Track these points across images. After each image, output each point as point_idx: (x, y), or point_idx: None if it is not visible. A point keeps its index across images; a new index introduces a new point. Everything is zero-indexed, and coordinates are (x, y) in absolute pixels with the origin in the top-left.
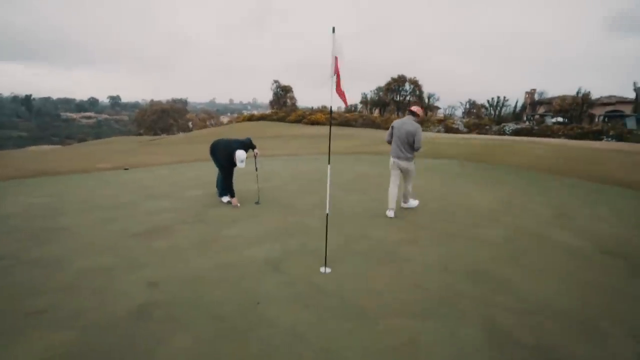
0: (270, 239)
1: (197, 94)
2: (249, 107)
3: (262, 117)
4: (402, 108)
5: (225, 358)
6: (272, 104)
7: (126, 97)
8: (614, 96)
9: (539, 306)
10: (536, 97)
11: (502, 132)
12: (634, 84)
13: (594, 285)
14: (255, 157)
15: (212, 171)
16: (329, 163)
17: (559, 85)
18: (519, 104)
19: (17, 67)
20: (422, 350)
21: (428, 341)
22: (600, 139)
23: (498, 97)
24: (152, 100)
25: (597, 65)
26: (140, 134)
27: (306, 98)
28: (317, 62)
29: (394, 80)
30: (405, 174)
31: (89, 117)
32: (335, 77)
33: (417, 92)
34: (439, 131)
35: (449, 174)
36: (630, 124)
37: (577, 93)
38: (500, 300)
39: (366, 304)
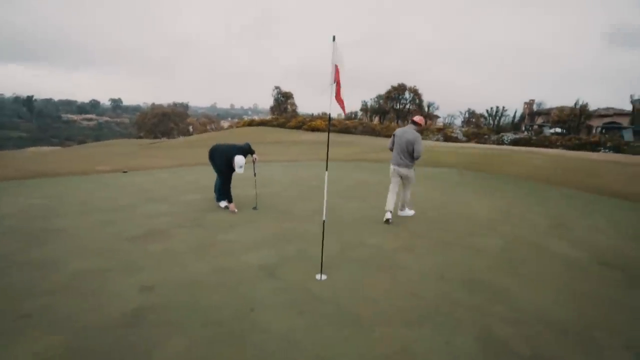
0: (267, 245)
1: (199, 98)
2: (249, 113)
3: (263, 123)
4: (402, 116)
5: None
6: (273, 109)
7: (127, 100)
8: (612, 108)
9: (536, 316)
10: (535, 107)
11: (500, 142)
12: (631, 96)
13: (591, 296)
14: (254, 162)
15: (211, 175)
16: (326, 169)
17: (557, 96)
18: (518, 114)
19: (17, 68)
20: (418, 359)
21: (423, 349)
22: (598, 150)
23: (497, 107)
24: (153, 104)
25: (596, 77)
26: (140, 137)
27: (307, 104)
28: (318, 69)
29: (394, 88)
30: (405, 180)
31: (90, 119)
32: (335, 85)
33: (417, 101)
34: (438, 140)
35: (448, 182)
36: (628, 136)
37: (575, 104)
38: (496, 310)
39: (362, 311)
